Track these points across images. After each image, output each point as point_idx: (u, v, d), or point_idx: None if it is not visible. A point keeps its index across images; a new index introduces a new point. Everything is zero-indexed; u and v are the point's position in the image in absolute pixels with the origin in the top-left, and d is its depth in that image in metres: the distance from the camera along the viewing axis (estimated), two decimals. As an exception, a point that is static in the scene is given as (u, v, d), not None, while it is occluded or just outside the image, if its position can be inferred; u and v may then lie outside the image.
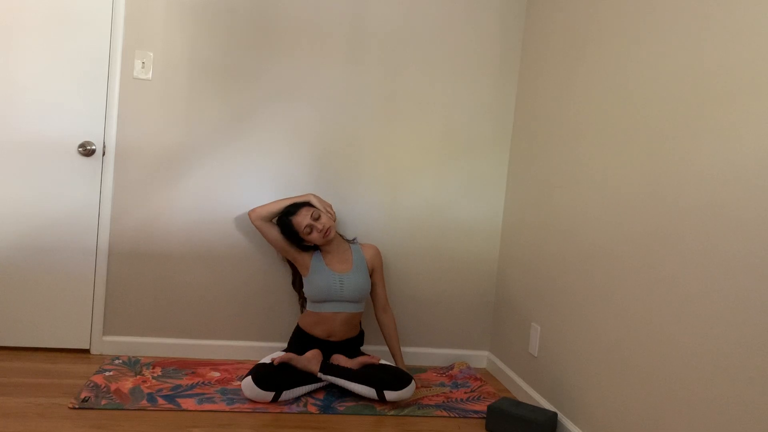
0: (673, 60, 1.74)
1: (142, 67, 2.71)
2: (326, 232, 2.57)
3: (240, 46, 2.77)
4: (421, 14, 2.89)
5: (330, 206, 2.71)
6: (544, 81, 2.65)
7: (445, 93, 2.94)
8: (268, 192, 2.83)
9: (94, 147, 2.68)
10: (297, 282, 2.81)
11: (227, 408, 2.25)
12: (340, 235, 2.78)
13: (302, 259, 2.66)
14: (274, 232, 2.64)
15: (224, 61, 2.77)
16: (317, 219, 2.58)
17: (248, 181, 2.82)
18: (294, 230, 2.58)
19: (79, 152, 2.68)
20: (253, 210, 2.66)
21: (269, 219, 2.65)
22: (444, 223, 2.99)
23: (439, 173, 2.97)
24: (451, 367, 2.90)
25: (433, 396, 2.54)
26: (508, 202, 2.98)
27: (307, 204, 2.64)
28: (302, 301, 2.80)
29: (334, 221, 2.66)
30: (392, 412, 2.33)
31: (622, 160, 1.97)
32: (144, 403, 2.23)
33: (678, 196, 1.67)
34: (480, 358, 3.07)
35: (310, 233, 2.57)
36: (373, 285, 2.74)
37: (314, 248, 2.69)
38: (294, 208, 2.61)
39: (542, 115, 2.64)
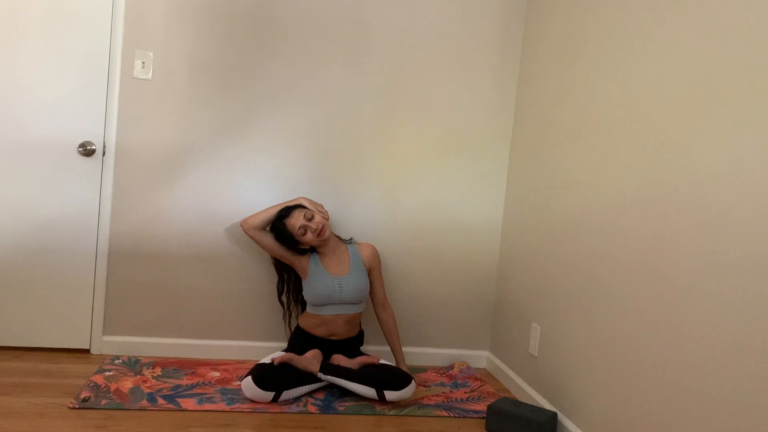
0: (673, 60, 1.74)
1: (142, 67, 2.71)
2: (320, 232, 2.56)
3: (240, 45, 2.77)
4: (422, 14, 2.89)
5: (321, 206, 2.71)
6: (544, 81, 2.65)
7: (445, 93, 2.94)
8: (268, 192, 2.83)
9: (94, 147, 2.68)
10: (285, 293, 2.78)
11: (227, 408, 2.25)
12: (336, 236, 2.78)
13: (300, 262, 2.65)
14: (269, 240, 2.63)
15: (224, 61, 2.77)
16: (310, 219, 2.57)
17: (248, 180, 2.82)
18: (288, 233, 2.58)
19: (79, 152, 2.68)
20: (244, 220, 2.64)
21: (262, 227, 2.63)
22: (444, 223, 2.99)
23: (439, 173, 2.97)
24: (451, 367, 2.90)
25: (433, 396, 2.54)
26: (508, 202, 2.98)
27: (299, 206, 2.64)
28: (287, 315, 2.81)
29: (327, 220, 2.65)
30: (392, 412, 2.33)
31: (621, 160, 1.97)
32: (144, 403, 2.23)
33: (677, 196, 1.67)
34: (480, 358, 3.07)
35: (304, 234, 2.56)
36: (371, 284, 2.74)
37: (311, 251, 2.68)
38: (286, 211, 2.61)
39: (542, 115, 2.64)
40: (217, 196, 2.81)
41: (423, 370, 2.91)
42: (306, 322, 2.64)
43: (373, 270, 2.74)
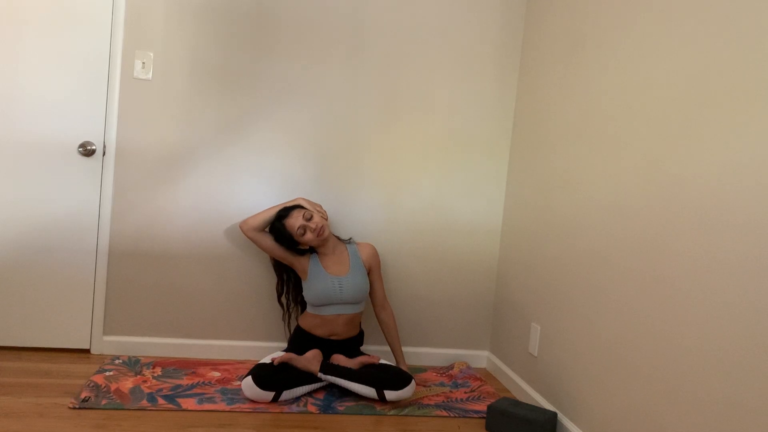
0: (673, 60, 1.75)
1: (142, 67, 2.71)
2: (319, 231, 2.57)
3: (240, 45, 2.77)
4: (422, 15, 2.89)
5: (320, 206, 2.71)
6: (544, 81, 2.65)
7: (445, 93, 2.94)
8: (269, 192, 2.83)
9: (94, 147, 2.68)
10: (285, 294, 2.78)
11: (227, 408, 2.25)
12: (336, 236, 2.78)
13: (299, 263, 2.66)
14: (269, 241, 2.63)
15: (224, 61, 2.77)
16: (309, 219, 2.57)
17: (248, 180, 2.82)
18: (288, 234, 2.58)
19: (79, 152, 2.68)
20: (244, 222, 2.64)
21: (262, 228, 2.63)
22: (444, 223, 2.99)
23: (439, 173, 2.97)
24: (451, 367, 2.90)
25: (433, 396, 2.54)
26: (508, 202, 2.98)
27: (298, 207, 2.64)
28: (286, 316, 2.81)
29: (326, 220, 2.66)
30: (392, 412, 2.33)
31: (621, 160, 1.97)
32: (144, 403, 2.23)
33: (677, 196, 1.67)
34: (480, 358, 3.07)
35: (303, 234, 2.56)
36: (371, 284, 2.74)
37: (310, 251, 2.68)
38: (285, 212, 2.61)
39: (542, 115, 2.64)
40: (217, 196, 2.81)
41: (423, 370, 2.91)
42: (306, 322, 2.64)
43: (373, 270, 2.75)
